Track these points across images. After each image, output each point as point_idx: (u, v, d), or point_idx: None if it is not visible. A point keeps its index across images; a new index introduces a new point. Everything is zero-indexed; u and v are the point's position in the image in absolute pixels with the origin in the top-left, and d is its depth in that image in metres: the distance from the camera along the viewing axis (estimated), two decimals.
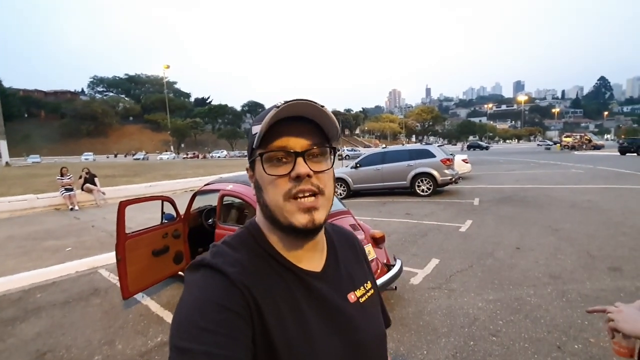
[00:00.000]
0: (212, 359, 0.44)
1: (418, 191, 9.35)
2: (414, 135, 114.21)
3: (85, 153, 53.20)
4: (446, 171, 9.13)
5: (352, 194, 10.19)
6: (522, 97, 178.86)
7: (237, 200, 3.61)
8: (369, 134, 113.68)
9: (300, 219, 0.54)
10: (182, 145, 79.28)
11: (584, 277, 3.54)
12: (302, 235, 0.56)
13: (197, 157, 54.56)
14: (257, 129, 0.55)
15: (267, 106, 0.62)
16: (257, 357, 0.49)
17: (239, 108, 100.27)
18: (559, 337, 2.53)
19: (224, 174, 12.95)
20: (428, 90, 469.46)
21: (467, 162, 13.16)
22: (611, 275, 3.56)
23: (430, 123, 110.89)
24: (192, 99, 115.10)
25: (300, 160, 0.54)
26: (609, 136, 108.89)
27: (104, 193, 10.31)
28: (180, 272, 3.65)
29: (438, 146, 10.41)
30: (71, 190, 9.52)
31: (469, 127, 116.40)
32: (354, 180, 10.12)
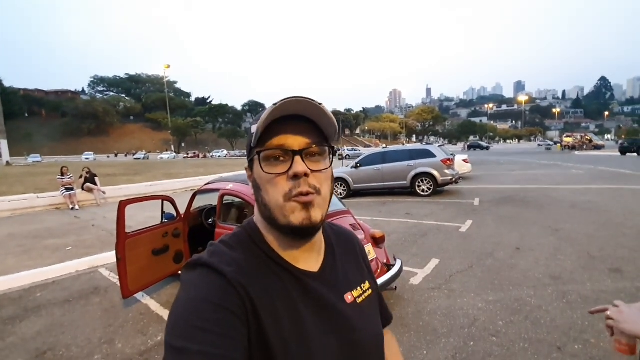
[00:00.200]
0: (207, 359, 0.44)
1: (418, 191, 9.34)
2: (414, 136, 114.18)
3: (86, 152, 53.25)
4: (446, 171, 9.12)
5: (352, 193, 10.18)
6: (522, 97, 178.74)
7: (237, 200, 3.62)
8: (370, 134, 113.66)
9: (298, 217, 0.53)
10: (183, 145, 79.35)
11: (584, 278, 3.54)
12: (300, 234, 0.55)
13: (198, 156, 54.57)
14: (255, 128, 0.55)
15: (267, 106, 0.62)
16: (253, 357, 0.49)
17: (239, 107, 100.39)
18: (559, 338, 2.52)
19: (225, 173, 12.95)
20: (429, 90, 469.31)
21: (467, 162, 13.16)
22: (611, 276, 3.55)
23: (431, 123, 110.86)
24: (192, 99, 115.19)
25: (297, 158, 0.53)
26: (609, 136, 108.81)
27: (104, 192, 10.32)
28: (180, 272, 3.65)
29: (438, 146, 10.41)
30: (72, 189, 9.53)
31: (469, 127, 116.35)
32: (354, 180, 10.11)
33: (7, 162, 25.70)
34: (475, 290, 3.40)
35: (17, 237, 6.28)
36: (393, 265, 3.27)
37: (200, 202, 4.14)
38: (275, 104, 0.52)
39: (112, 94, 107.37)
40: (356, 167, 10.18)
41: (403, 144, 40.65)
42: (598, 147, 36.80)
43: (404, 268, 3.48)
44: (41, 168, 22.60)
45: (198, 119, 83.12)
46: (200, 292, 0.49)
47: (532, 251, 4.45)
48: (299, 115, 0.55)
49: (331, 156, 0.59)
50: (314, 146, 0.55)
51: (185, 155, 56.72)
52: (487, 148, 54.12)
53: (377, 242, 3.41)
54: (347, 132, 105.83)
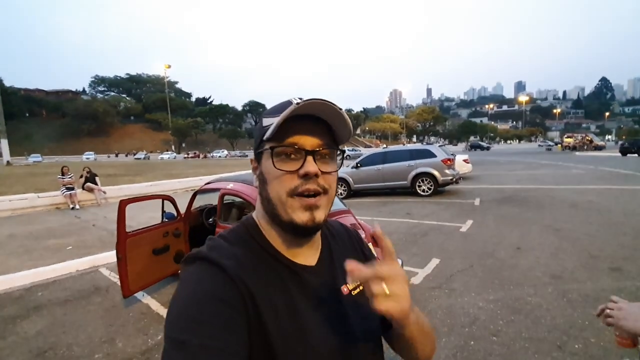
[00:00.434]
0: (207, 351, 0.44)
1: (419, 191, 9.34)
2: (414, 136, 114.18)
3: (87, 152, 53.29)
4: (447, 171, 9.12)
5: (353, 193, 10.19)
6: (523, 98, 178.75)
7: (238, 199, 3.62)
8: (370, 134, 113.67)
9: (301, 216, 0.54)
10: (183, 145, 79.40)
11: (584, 277, 3.54)
12: (301, 233, 0.56)
13: (198, 156, 54.59)
14: (268, 122, 0.56)
15: (268, 106, 0.63)
16: (253, 350, 0.49)
17: (240, 108, 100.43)
18: (559, 336, 2.53)
19: (225, 173, 12.96)
20: (429, 91, 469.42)
21: (467, 162, 13.16)
22: (612, 276, 3.55)
23: (431, 123, 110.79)
24: (193, 99, 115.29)
25: (310, 158, 0.54)
26: (610, 137, 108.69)
27: (104, 192, 10.32)
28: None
29: (439, 146, 10.41)
30: (72, 189, 9.53)
31: (470, 128, 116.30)
32: (354, 180, 10.12)
33: (8, 162, 25.71)
34: (475, 290, 3.40)
35: (18, 236, 6.28)
36: None
37: (201, 201, 4.15)
38: (297, 103, 0.53)
39: (112, 94, 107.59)
40: (357, 167, 10.19)
41: (403, 144, 40.66)
42: (599, 148, 36.76)
43: (405, 267, 3.48)
44: (42, 168, 22.62)
45: (198, 119, 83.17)
46: (199, 286, 0.50)
47: (532, 250, 4.45)
48: (312, 115, 0.56)
49: (341, 159, 0.61)
50: (325, 148, 0.56)
51: (186, 156, 56.75)
52: (488, 148, 54.09)
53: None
54: None
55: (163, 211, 3.72)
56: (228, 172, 13.40)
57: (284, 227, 0.56)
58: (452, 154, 10.08)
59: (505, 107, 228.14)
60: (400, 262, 3.35)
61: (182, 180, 13.80)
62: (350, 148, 50.72)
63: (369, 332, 0.63)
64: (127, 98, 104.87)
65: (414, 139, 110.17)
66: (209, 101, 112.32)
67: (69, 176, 9.70)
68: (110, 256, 4.55)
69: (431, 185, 9.23)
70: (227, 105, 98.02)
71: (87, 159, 44.34)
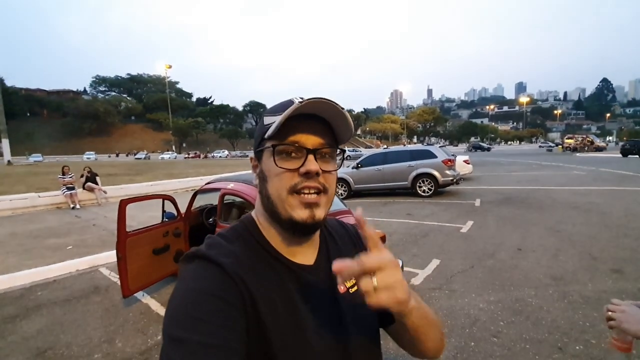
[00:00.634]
0: (206, 349, 0.44)
1: (419, 192, 9.34)
2: (415, 136, 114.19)
3: (87, 152, 53.41)
4: (447, 172, 9.11)
5: (353, 194, 10.18)
6: (524, 99, 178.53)
7: (238, 199, 3.61)
8: (371, 134, 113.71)
9: (301, 214, 0.54)
10: (184, 145, 79.48)
11: (585, 279, 3.53)
12: (300, 230, 0.56)
13: (199, 156, 54.63)
14: (270, 120, 0.56)
15: (268, 106, 0.63)
16: (251, 347, 0.49)
17: (240, 108, 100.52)
18: (560, 338, 2.52)
19: (225, 173, 12.96)
20: (430, 91, 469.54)
21: (468, 163, 13.15)
22: (613, 277, 3.54)
23: (432, 124, 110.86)
24: (194, 99, 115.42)
25: (311, 157, 0.54)
26: (611, 138, 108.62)
27: (105, 192, 10.33)
28: None
29: (440, 147, 10.40)
30: (73, 188, 9.54)
31: (470, 128, 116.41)
32: (355, 180, 10.11)
33: (9, 161, 25.75)
34: (476, 291, 3.39)
35: (18, 236, 6.29)
36: None
37: (201, 201, 4.14)
38: (300, 101, 0.53)
39: (113, 94, 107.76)
40: (357, 167, 10.18)
41: (404, 145, 40.64)
42: (599, 149, 36.71)
43: (405, 268, 3.48)
44: (42, 167, 22.65)
45: (199, 119, 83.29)
46: (198, 284, 0.50)
47: (533, 252, 4.44)
48: (314, 115, 0.56)
49: (341, 158, 0.61)
50: (326, 147, 0.56)
51: (186, 156, 56.80)
52: (488, 149, 54.03)
53: None
54: None
55: (163, 211, 3.72)
56: (228, 172, 13.41)
57: (283, 225, 0.56)
58: (452, 155, 10.07)
59: (506, 108, 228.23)
60: (400, 263, 3.35)
61: (182, 180, 13.81)
62: (351, 148, 50.72)
63: (367, 330, 0.63)
64: (128, 98, 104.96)
65: (415, 140, 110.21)
66: (209, 101, 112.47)
67: (70, 176, 9.71)
68: (110, 256, 4.55)
69: (431, 186, 9.22)
70: (227, 105, 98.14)
71: (88, 158, 44.41)
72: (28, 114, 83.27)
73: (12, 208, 8.74)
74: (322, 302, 0.59)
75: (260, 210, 0.60)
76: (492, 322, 2.80)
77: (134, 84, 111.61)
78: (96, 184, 10.21)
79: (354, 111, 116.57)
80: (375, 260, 0.45)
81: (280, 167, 0.54)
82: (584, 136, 40.46)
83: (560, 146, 42.61)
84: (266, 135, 0.56)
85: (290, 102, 0.55)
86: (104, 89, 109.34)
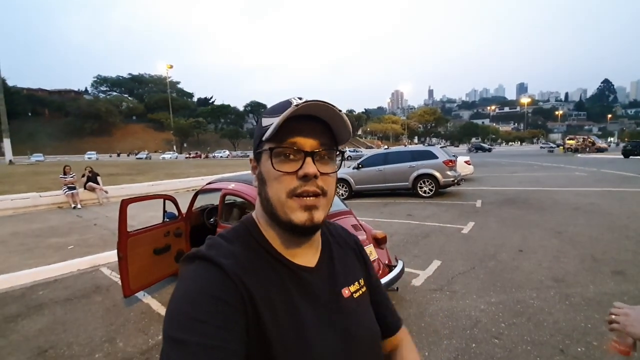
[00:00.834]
0: (205, 350, 0.44)
1: (420, 192, 9.32)
2: (416, 137, 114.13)
3: (89, 152, 53.45)
4: (448, 172, 9.10)
5: (354, 194, 10.18)
6: (525, 99, 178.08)
7: (239, 199, 3.61)
8: (372, 134, 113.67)
9: (300, 217, 0.54)
10: (185, 145, 79.59)
11: (587, 281, 3.52)
12: (300, 232, 0.56)
13: (200, 156, 54.69)
14: (268, 122, 0.55)
15: (269, 106, 0.63)
16: (251, 349, 0.49)
17: (241, 108, 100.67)
18: (561, 340, 2.51)
19: (226, 173, 12.97)
20: (431, 92, 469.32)
21: (469, 164, 13.14)
22: (615, 279, 3.53)
23: (433, 124, 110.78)
24: (195, 99, 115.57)
25: (309, 160, 0.54)
26: (612, 139, 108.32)
27: (106, 191, 10.35)
28: None
29: (441, 147, 10.38)
30: (74, 188, 9.56)
31: (471, 129, 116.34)
32: (355, 180, 10.11)
33: (10, 161, 25.83)
34: (477, 292, 3.38)
35: (20, 235, 6.30)
36: (395, 266, 3.26)
37: (202, 201, 4.15)
38: (297, 104, 0.53)
39: (115, 94, 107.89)
40: (358, 168, 10.18)
41: (405, 145, 40.59)
42: (601, 150, 36.63)
43: (406, 269, 3.47)
44: (44, 167, 22.69)
45: (200, 120, 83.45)
46: (198, 285, 0.50)
47: (534, 253, 4.43)
48: (312, 116, 0.56)
49: (340, 160, 0.60)
50: (324, 149, 0.56)
51: (187, 156, 56.85)
52: (489, 150, 53.92)
53: (379, 242, 3.40)
54: None
55: (164, 211, 3.72)
56: (229, 172, 13.43)
57: (283, 227, 0.56)
58: (453, 156, 10.06)
59: (507, 109, 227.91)
60: (401, 263, 3.34)
61: (183, 180, 13.82)
62: (352, 149, 50.73)
63: (369, 336, 0.63)
64: (130, 98, 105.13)
65: (416, 140, 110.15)
66: (210, 101, 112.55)
67: (71, 175, 9.73)
68: (112, 255, 4.56)
69: (432, 187, 9.21)
70: (228, 105, 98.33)
71: (89, 158, 44.48)
72: (30, 114, 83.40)
73: (14, 207, 8.77)
74: (324, 304, 0.58)
75: (260, 212, 0.60)
76: (493, 323, 2.79)
77: (135, 84, 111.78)
78: (97, 183, 10.23)
79: (354, 111, 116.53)
80: None
81: (278, 170, 0.54)
82: (585, 137, 40.39)
83: (562, 147, 42.56)
84: (264, 137, 0.56)
85: (288, 103, 0.55)
86: (105, 88, 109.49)
